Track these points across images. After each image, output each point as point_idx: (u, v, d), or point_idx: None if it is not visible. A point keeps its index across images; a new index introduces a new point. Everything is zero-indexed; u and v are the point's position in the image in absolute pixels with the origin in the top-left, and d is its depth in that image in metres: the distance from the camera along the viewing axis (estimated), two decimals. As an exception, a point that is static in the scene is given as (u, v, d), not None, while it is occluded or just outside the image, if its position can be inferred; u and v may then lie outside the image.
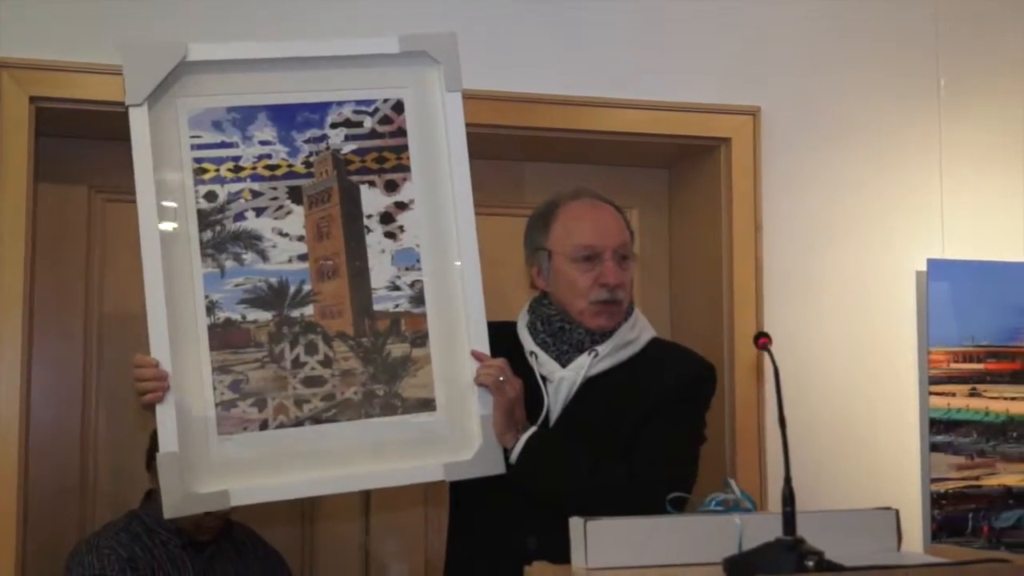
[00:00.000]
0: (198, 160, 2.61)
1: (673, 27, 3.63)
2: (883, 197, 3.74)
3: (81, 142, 3.40)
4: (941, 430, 3.67)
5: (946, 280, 3.69)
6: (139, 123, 2.56)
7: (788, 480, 2.06)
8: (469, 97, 3.20)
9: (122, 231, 3.44)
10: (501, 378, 2.60)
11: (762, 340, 2.29)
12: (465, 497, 2.68)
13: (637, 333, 2.74)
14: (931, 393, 3.67)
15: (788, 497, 2.04)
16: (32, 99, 3.12)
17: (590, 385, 2.68)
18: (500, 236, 3.50)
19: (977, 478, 3.69)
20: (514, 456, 2.59)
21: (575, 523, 2.14)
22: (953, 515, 3.65)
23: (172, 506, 2.47)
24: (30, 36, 3.14)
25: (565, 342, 2.70)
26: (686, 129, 3.61)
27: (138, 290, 3.35)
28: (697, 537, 2.17)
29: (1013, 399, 3.75)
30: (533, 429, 2.61)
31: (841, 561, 1.98)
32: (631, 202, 3.61)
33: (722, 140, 3.63)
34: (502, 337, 2.73)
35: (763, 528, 2.13)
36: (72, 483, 3.39)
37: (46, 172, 3.24)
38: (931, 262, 3.69)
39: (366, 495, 3.49)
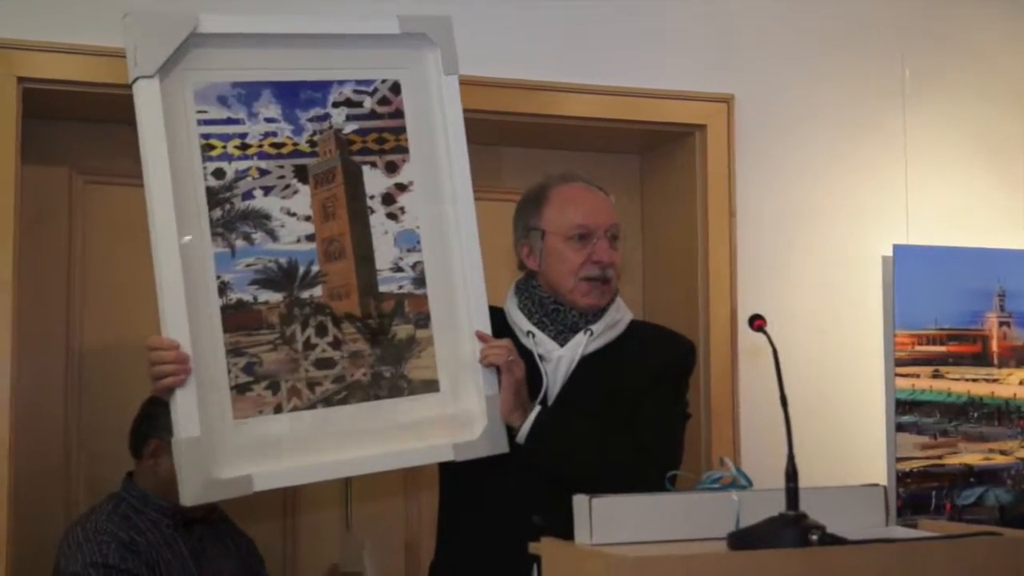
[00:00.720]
0: (205, 136, 2.53)
1: (648, 14, 3.68)
2: (851, 184, 3.84)
3: (62, 123, 3.39)
4: (906, 410, 3.77)
5: (911, 265, 3.79)
6: (149, 96, 2.44)
7: (791, 457, 2.13)
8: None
9: (103, 213, 3.45)
10: (511, 358, 2.64)
11: (758, 322, 2.36)
12: (466, 475, 2.71)
13: (621, 315, 2.81)
14: (896, 375, 3.77)
15: (791, 473, 2.11)
16: (20, 80, 3.10)
17: (585, 364, 2.73)
18: (478, 220, 3.54)
19: (940, 457, 3.80)
20: (522, 435, 2.63)
21: (579, 500, 2.19)
22: (917, 493, 3.76)
23: (194, 493, 2.40)
24: (18, 15, 3.12)
25: (560, 322, 2.75)
26: (661, 116, 3.68)
27: (118, 271, 3.42)
28: (697, 513, 2.23)
29: (974, 380, 3.86)
30: (539, 408, 2.65)
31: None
32: (604, 188, 3.65)
33: (697, 127, 3.70)
34: (491, 322, 2.77)
35: (760, 504, 2.19)
36: (56, 465, 3.37)
37: (28, 154, 3.22)
38: (897, 247, 3.78)
39: (346, 484, 3.50)
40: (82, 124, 3.36)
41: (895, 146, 3.89)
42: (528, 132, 3.70)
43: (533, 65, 3.56)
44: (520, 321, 2.78)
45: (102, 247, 3.45)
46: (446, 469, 2.79)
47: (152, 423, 3.01)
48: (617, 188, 3.86)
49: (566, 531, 2.21)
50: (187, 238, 2.47)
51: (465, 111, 3.38)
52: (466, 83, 3.38)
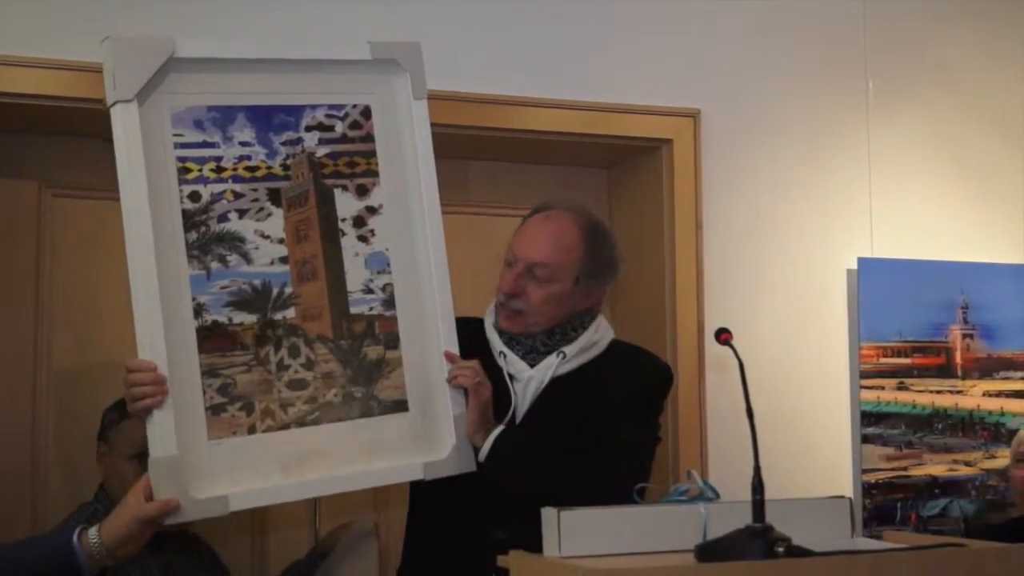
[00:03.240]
0: (181, 159, 2.56)
1: (616, 30, 3.71)
2: (816, 197, 3.88)
3: (31, 137, 3.38)
4: (871, 422, 3.81)
5: (876, 278, 3.83)
6: (128, 119, 2.47)
7: (757, 469, 2.14)
8: (413, 96, 3.27)
9: (71, 227, 3.45)
10: (478, 379, 2.66)
11: (724, 336, 2.37)
12: (433, 490, 2.73)
13: (599, 336, 2.82)
14: (862, 387, 3.81)
15: (757, 486, 2.12)
16: (-16, 93, 3.11)
17: (556, 385, 2.75)
18: (446, 233, 3.55)
19: (905, 468, 3.84)
20: (483, 454, 2.66)
21: (548, 513, 2.20)
22: (883, 504, 3.80)
23: (174, 513, 2.42)
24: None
25: (526, 344, 2.78)
26: (628, 130, 3.70)
27: (87, 285, 3.42)
28: (665, 525, 2.25)
29: (938, 392, 3.91)
30: (501, 428, 2.68)
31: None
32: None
33: (663, 141, 3.73)
34: (469, 333, 2.79)
35: (726, 516, 2.21)
36: (22, 480, 3.36)
37: (-4, 168, 3.24)
38: (861, 260, 3.83)
39: (315, 503, 3.51)
40: (52, 138, 3.35)
41: (860, 159, 3.93)
42: (496, 146, 3.72)
43: (501, 80, 3.59)
44: (493, 340, 2.81)
45: (72, 261, 3.44)
46: (415, 484, 2.82)
47: (102, 429, 3.04)
48: (585, 202, 3.88)
49: (529, 547, 2.22)
50: (161, 259, 2.48)
51: (434, 125, 3.39)
52: (436, 97, 3.39)
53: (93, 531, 2.38)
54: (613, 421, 2.72)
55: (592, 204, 3.84)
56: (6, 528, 3.24)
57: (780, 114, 3.86)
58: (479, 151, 3.77)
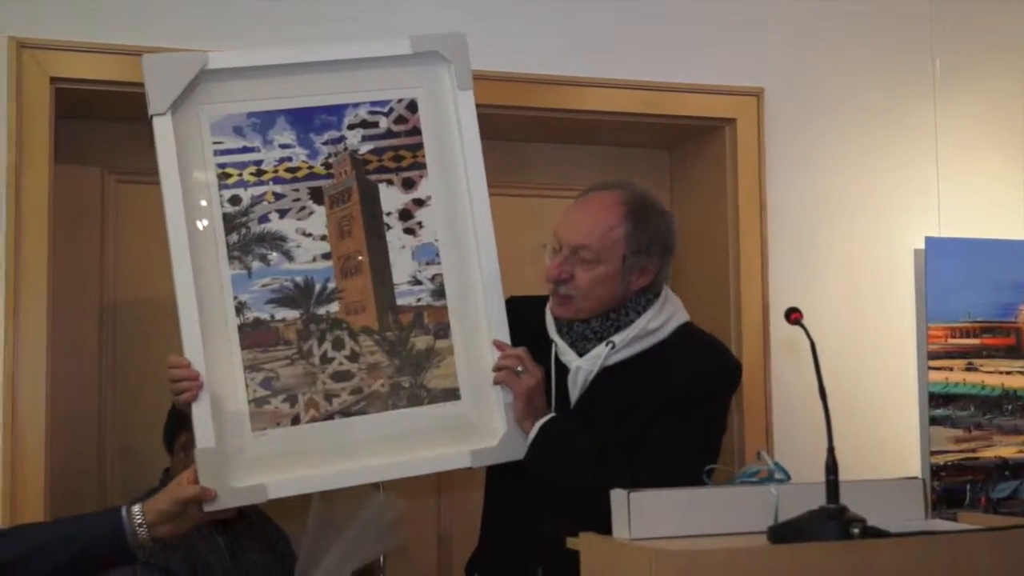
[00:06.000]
0: (221, 165, 2.63)
1: (677, 9, 3.68)
2: (882, 176, 3.82)
3: (94, 123, 3.41)
4: (939, 404, 3.76)
5: (943, 258, 3.77)
6: (164, 132, 2.57)
7: (831, 449, 2.11)
8: (473, 77, 3.25)
9: (135, 213, 3.47)
10: (519, 368, 2.64)
11: (794, 315, 2.33)
12: (502, 475, 2.73)
13: (662, 321, 2.72)
14: (930, 368, 3.75)
15: (832, 466, 2.10)
16: (52, 80, 3.12)
17: (608, 375, 2.69)
18: (505, 216, 3.53)
19: (974, 450, 3.79)
20: (527, 443, 2.64)
21: (618, 495, 2.17)
22: (952, 487, 3.74)
23: (211, 500, 2.49)
24: (49, 16, 3.14)
25: (574, 332, 2.72)
26: (690, 110, 3.67)
27: (151, 271, 3.44)
28: (735, 507, 2.22)
29: (1008, 373, 3.84)
30: (547, 417, 2.64)
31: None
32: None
33: (727, 121, 3.69)
34: (535, 314, 2.77)
35: (798, 498, 2.18)
36: (89, 464, 3.40)
37: (61, 154, 3.24)
38: (929, 240, 3.77)
39: (378, 486, 3.51)
40: (114, 124, 3.37)
41: (926, 138, 3.87)
42: (556, 128, 3.70)
43: (560, 60, 3.56)
44: (549, 327, 2.77)
45: (135, 246, 3.46)
46: (490, 468, 2.80)
47: (181, 418, 3.03)
48: (647, 183, 3.80)
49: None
50: (202, 261, 2.57)
51: (493, 106, 3.41)
52: (494, 79, 3.41)
53: (137, 508, 2.43)
54: (656, 421, 2.64)
55: (654, 185, 3.81)
56: (77, 510, 3.27)
57: (845, 92, 3.81)
58: (538, 133, 3.75)
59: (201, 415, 2.51)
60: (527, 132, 3.74)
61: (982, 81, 3.95)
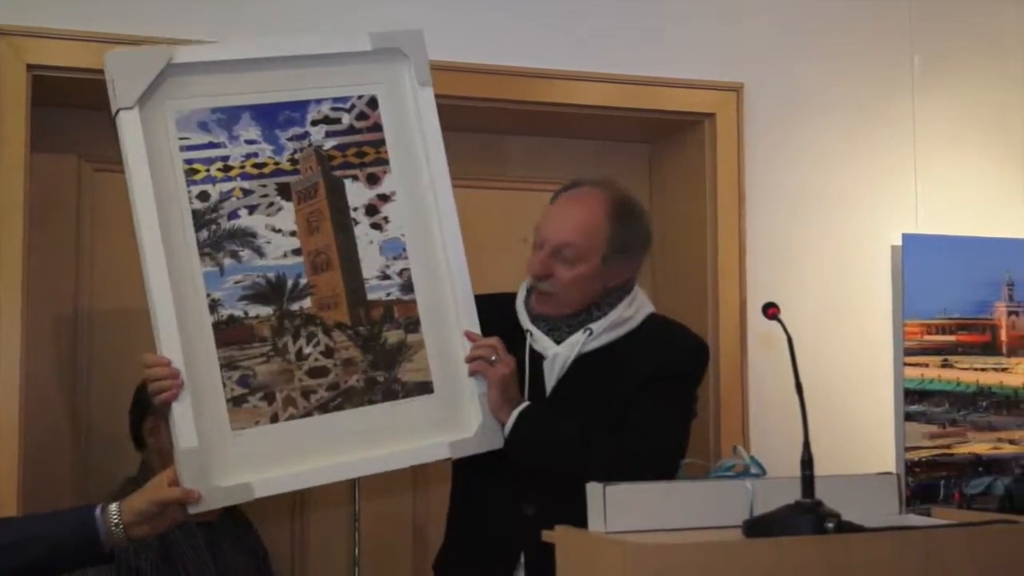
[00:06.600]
0: (188, 161, 2.61)
1: (658, 3, 3.67)
2: (860, 172, 3.83)
3: (70, 111, 3.38)
4: (915, 400, 3.77)
5: (920, 254, 3.79)
6: (131, 126, 2.56)
7: (807, 444, 2.12)
8: (451, 69, 3.24)
9: (111, 201, 3.43)
10: (493, 357, 2.65)
11: (771, 310, 2.35)
12: (470, 467, 2.73)
13: (633, 311, 2.79)
14: (905, 364, 3.77)
15: (807, 461, 2.11)
16: (29, 67, 3.10)
17: (584, 361, 2.73)
18: (483, 209, 3.54)
19: (949, 446, 3.80)
20: (506, 431, 2.65)
21: (593, 488, 2.19)
22: (926, 482, 3.76)
23: (195, 502, 2.47)
24: (27, 2, 3.12)
25: (549, 321, 2.76)
26: (670, 104, 3.67)
27: (127, 259, 3.36)
28: (711, 501, 2.24)
29: (983, 370, 3.86)
30: (525, 404, 2.66)
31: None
32: (612, 177, 3.65)
33: (706, 115, 3.69)
34: (502, 309, 2.79)
35: (773, 493, 2.20)
36: (65, 453, 3.38)
37: (37, 141, 3.22)
38: (906, 236, 3.78)
39: (354, 483, 3.51)
40: (91, 112, 3.33)
41: (905, 134, 3.88)
42: (534, 121, 3.69)
43: (540, 53, 3.55)
44: (522, 317, 2.80)
45: (111, 234, 3.44)
46: (456, 461, 2.80)
47: (144, 404, 3.04)
48: (626, 177, 3.86)
49: (562, 522, 2.21)
50: (174, 259, 2.55)
51: (471, 98, 3.41)
52: (473, 71, 3.40)
53: (114, 507, 2.41)
54: (636, 400, 2.68)
55: (633, 180, 3.85)
56: (54, 499, 3.26)
57: (824, 88, 3.81)
58: (516, 126, 3.75)
59: (182, 415, 2.48)
60: (505, 125, 3.73)
61: (961, 77, 3.96)
